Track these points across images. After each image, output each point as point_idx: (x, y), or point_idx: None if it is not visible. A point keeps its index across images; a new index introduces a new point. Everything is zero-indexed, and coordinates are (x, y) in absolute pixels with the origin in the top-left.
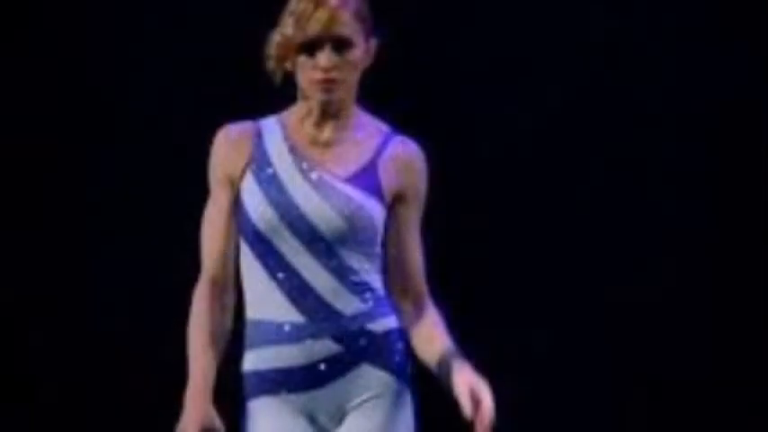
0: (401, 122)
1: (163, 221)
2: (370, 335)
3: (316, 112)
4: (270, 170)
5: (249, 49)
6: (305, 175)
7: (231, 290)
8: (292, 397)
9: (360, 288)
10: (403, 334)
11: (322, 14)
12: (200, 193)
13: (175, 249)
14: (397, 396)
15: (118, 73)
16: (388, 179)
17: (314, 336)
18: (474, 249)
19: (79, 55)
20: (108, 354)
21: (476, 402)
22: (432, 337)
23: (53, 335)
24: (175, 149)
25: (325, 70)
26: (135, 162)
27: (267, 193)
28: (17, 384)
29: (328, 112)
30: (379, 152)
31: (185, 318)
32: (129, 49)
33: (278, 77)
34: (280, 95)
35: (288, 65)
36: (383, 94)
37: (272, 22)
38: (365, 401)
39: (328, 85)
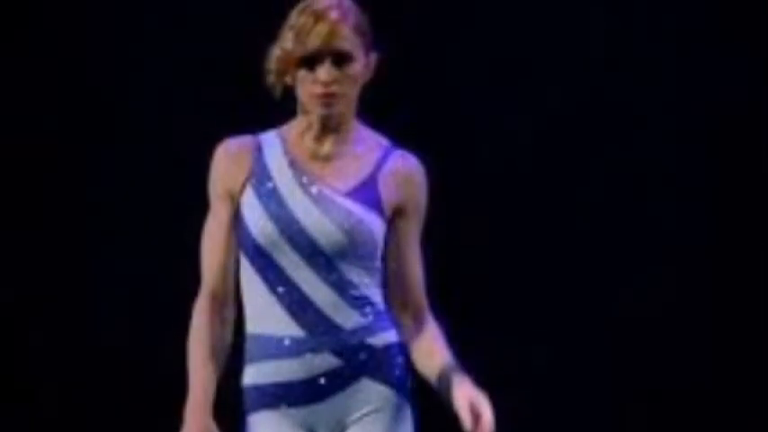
0: (400, 135)
1: (163, 221)
2: (370, 349)
3: (316, 127)
4: (270, 184)
5: (249, 50)
6: (305, 189)
7: (231, 304)
8: (292, 411)
9: (360, 302)
10: (403, 348)
11: (322, 28)
12: (201, 194)
13: (175, 249)
14: (397, 410)
15: (118, 73)
16: (388, 193)
17: (314, 350)
18: (473, 262)
19: (79, 55)
20: (108, 356)
21: (476, 416)
22: (432, 352)
23: (53, 336)
24: (175, 149)
25: (325, 84)
26: (135, 162)
27: (267, 208)
28: (17, 385)
29: (328, 127)
30: (379, 166)
31: (186, 318)
32: (129, 49)
33: (278, 91)
34: (280, 99)
35: (288, 79)
36: (382, 107)
37: (272, 21)
38: (365, 416)
39: (328, 99)
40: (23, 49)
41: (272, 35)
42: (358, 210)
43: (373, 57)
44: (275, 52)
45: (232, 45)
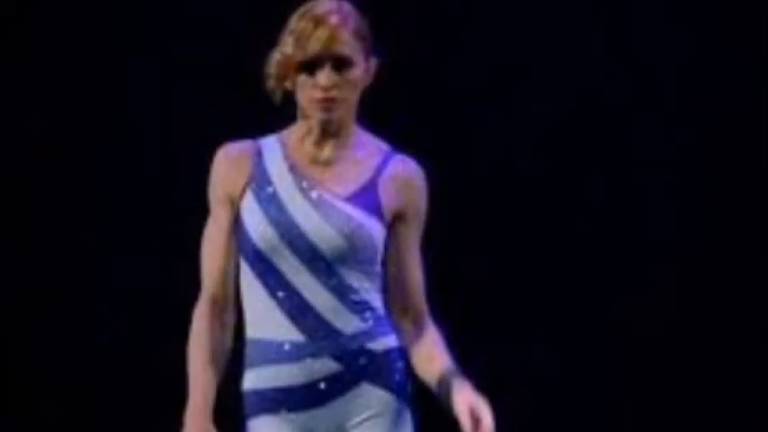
0: (400, 139)
1: (163, 221)
2: (370, 354)
3: (316, 131)
4: (270, 189)
5: (250, 50)
6: (305, 194)
7: (231, 309)
8: (292, 416)
9: (360, 307)
10: (403, 353)
11: (322, 33)
12: (200, 194)
13: (175, 249)
14: (398, 415)
15: (118, 73)
16: (388, 198)
17: (314, 355)
18: (473, 266)
19: (79, 55)
20: (108, 357)
21: (476, 421)
22: (432, 356)
23: (53, 336)
24: (176, 150)
25: (325, 89)
26: (135, 162)
27: (267, 212)
28: (17, 385)
29: (328, 131)
30: (379, 171)
31: (186, 318)
32: (129, 49)
33: (278, 96)
34: (280, 104)
35: (288, 84)
36: (382, 111)
37: (274, 25)
38: (365, 420)
39: (328, 104)
40: (23, 49)
41: (273, 38)
42: (358, 214)
43: (373, 61)
44: (275, 57)
45: (232, 45)
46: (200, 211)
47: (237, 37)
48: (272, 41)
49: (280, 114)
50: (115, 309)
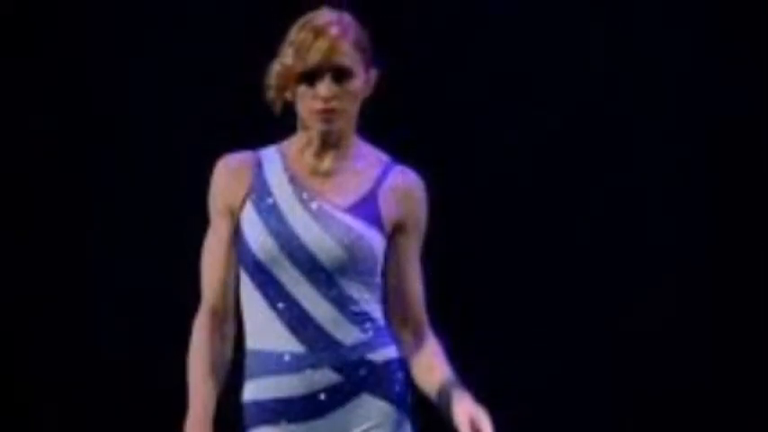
0: (400, 150)
1: (163, 222)
2: (370, 365)
3: (316, 142)
4: (270, 200)
5: (250, 51)
6: (305, 204)
7: (231, 320)
8: (292, 427)
9: (360, 318)
10: (403, 364)
11: (322, 44)
12: (200, 195)
13: (175, 250)
14: (398, 426)
15: (118, 73)
16: (388, 209)
17: (314, 366)
18: (473, 277)
19: (79, 55)
20: (108, 357)
21: None
22: (432, 367)
23: (53, 336)
24: (176, 150)
25: (325, 100)
26: (135, 163)
27: (267, 223)
28: (17, 385)
29: (328, 142)
30: (379, 182)
31: (186, 319)
32: (130, 49)
33: (278, 107)
34: (280, 115)
35: (288, 95)
36: (382, 122)
37: (274, 26)
38: (365, 431)
39: (328, 114)
40: (23, 49)
41: (273, 38)
42: (358, 225)
43: (373, 73)
44: (275, 68)
45: (233, 46)
46: (200, 212)
47: (237, 37)
48: (272, 41)
49: (280, 125)
50: (115, 309)
